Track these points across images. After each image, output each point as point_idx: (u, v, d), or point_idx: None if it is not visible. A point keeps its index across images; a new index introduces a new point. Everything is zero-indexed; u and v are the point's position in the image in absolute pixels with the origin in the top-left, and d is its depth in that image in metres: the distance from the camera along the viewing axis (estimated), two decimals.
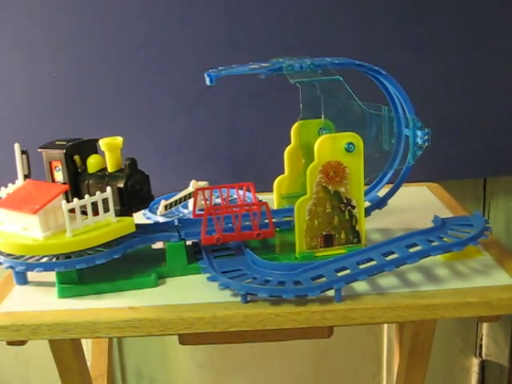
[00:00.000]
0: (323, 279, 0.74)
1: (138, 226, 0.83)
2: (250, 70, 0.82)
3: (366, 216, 0.86)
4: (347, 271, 0.76)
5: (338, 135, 0.80)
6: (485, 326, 1.37)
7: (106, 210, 0.80)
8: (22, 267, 0.78)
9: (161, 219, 0.94)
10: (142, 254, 0.87)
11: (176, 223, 0.86)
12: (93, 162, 0.84)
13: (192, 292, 0.78)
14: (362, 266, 0.76)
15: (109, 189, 0.80)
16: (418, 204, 1.06)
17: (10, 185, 0.86)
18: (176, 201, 1.00)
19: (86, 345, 1.25)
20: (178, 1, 1.12)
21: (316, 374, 1.39)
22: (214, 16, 1.12)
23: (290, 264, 0.78)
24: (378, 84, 0.88)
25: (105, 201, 0.80)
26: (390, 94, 0.88)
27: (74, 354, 0.98)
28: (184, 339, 0.81)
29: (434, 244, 0.78)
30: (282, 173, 0.94)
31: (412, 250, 0.78)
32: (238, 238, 0.83)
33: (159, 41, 1.13)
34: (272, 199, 0.94)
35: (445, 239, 0.80)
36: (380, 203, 0.93)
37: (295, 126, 0.92)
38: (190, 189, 1.01)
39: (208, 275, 0.79)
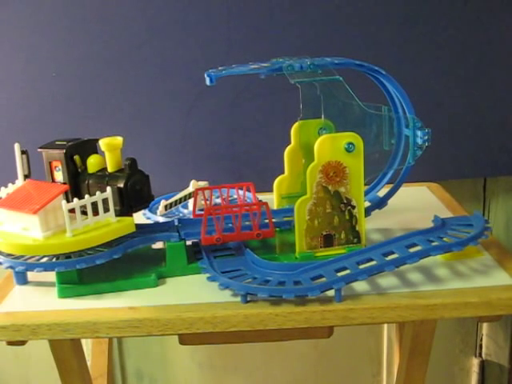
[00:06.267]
0: (323, 279, 0.74)
1: (138, 226, 0.83)
2: (250, 70, 0.82)
3: (366, 216, 0.86)
4: (347, 271, 0.76)
5: (338, 135, 0.80)
6: (485, 326, 1.37)
7: (106, 210, 0.80)
8: (22, 267, 0.78)
9: (161, 219, 0.94)
10: (141, 254, 0.87)
11: (176, 223, 0.86)
12: (93, 162, 0.84)
13: (192, 292, 0.78)
14: (362, 266, 0.76)
15: (109, 189, 0.80)
16: (418, 204, 1.05)
17: (10, 185, 0.86)
18: (176, 201, 1.00)
19: (86, 345, 1.25)
20: (178, 1, 1.12)
21: (316, 374, 1.39)
22: (214, 16, 1.12)
23: (290, 264, 0.78)
24: (378, 84, 0.88)
25: (105, 201, 0.80)
26: (390, 94, 0.88)
27: (74, 354, 0.98)
28: (184, 339, 0.81)
29: (434, 244, 0.78)
30: (282, 173, 0.94)
31: (412, 249, 0.78)
32: (238, 237, 0.83)
33: (159, 41, 1.13)
34: (272, 199, 0.94)
35: (445, 239, 0.80)
36: (380, 203, 0.93)
37: (295, 126, 0.92)
38: (190, 189, 1.01)
39: (208, 275, 0.79)
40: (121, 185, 0.82)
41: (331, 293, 0.74)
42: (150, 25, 1.12)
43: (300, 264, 0.77)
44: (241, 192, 0.94)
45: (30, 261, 0.79)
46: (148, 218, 0.96)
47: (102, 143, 0.83)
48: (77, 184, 0.85)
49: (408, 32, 1.14)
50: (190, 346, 0.85)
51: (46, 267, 0.78)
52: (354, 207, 0.82)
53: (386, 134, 0.87)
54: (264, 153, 1.17)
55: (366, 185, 0.83)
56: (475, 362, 1.39)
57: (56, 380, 1.00)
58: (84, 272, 0.80)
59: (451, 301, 0.73)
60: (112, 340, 1.28)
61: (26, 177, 0.85)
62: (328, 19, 1.13)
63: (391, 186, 0.92)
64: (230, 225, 0.83)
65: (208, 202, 0.94)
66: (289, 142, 0.93)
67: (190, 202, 1.01)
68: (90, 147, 0.86)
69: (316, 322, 0.73)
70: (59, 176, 0.84)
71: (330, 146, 0.79)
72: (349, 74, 0.81)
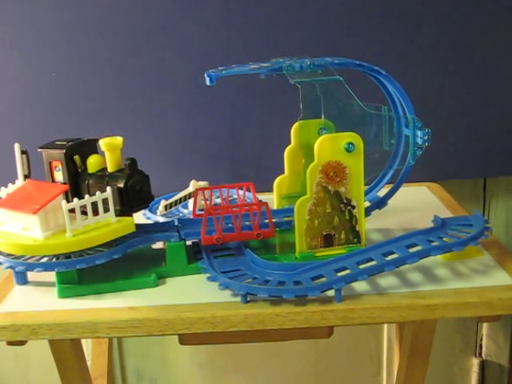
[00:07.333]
0: (323, 279, 0.74)
1: (138, 226, 0.83)
2: (250, 70, 0.82)
3: (366, 216, 0.86)
4: (347, 271, 0.76)
5: (338, 135, 0.80)
6: (485, 326, 1.37)
7: (106, 210, 0.80)
8: (22, 267, 0.78)
9: (161, 219, 0.94)
10: (141, 254, 0.87)
11: (176, 223, 0.86)
12: (93, 162, 0.84)
13: (192, 292, 0.78)
14: (362, 266, 0.76)
15: (109, 189, 0.80)
16: (418, 204, 1.05)
17: (10, 185, 0.86)
18: (176, 201, 1.00)
19: (86, 345, 1.25)
20: (178, 1, 1.12)
21: (316, 374, 1.39)
22: (214, 16, 1.12)
23: (290, 264, 0.78)
24: (378, 84, 0.88)
25: (105, 201, 0.80)
26: (390, 94, 0.88)
27: (74, 354, 0.98)
28: (184, 339, 0.81)
29: (434, 244, 0.78)
30: (282, 173, 0.94)
31: (412, 249, 0.78)
32: (238, 237, 0.83)
33: (159, 41, 1.13)
34: (272, 199, 0.94)
35: (445, 239, 0.80)
36: (380, 203, 0.93)
37: (295, 126, 0.92)
38: (190, 189, 1.01)
39: (208, 275, 0.79)
40: (121, 185, 0.82)
41: (331, 293, 0.74)
42: (149, 25, 1.12)
43: (300, 264, 0.77)
44: (241, 192, 0.94)
45: (30, 261, 0.79)
46: (148, 218, 0.96)
47: (102, 143, 0.83)
48: (77, 184, 0.85)
49: (408, 32, 1.14)
50: (190, 345, 0.85)
51: (46, 267, 0.78)
52: (354, 207, 0.82)
53: (386, 134, 0.87)
54: (264, 153, 1.17)
55: (366, 185, 0.83)
56: (475, 361, 1.39)
57: (56, 380, 1.00)
58: (84, 272, 0.80)
59: (451, 301, 0.73)
60: (112, 340, 1.28)
61: (26, 177, 0.85)
62: (328, 19, 1.13)
63: (391, 185, 0.92)
64: (230, 225, 0.83)
65: (208, 202, 0.94)
66: (289, 142, 0.93)
67: (190, 202, 1.01)
68: (90, 147, 0.86)
69: (316, 322, 0.73)
70: (59, 176, 0.84)
71: (330, 145, 0.79)
72: (349, 74, 0.81)
